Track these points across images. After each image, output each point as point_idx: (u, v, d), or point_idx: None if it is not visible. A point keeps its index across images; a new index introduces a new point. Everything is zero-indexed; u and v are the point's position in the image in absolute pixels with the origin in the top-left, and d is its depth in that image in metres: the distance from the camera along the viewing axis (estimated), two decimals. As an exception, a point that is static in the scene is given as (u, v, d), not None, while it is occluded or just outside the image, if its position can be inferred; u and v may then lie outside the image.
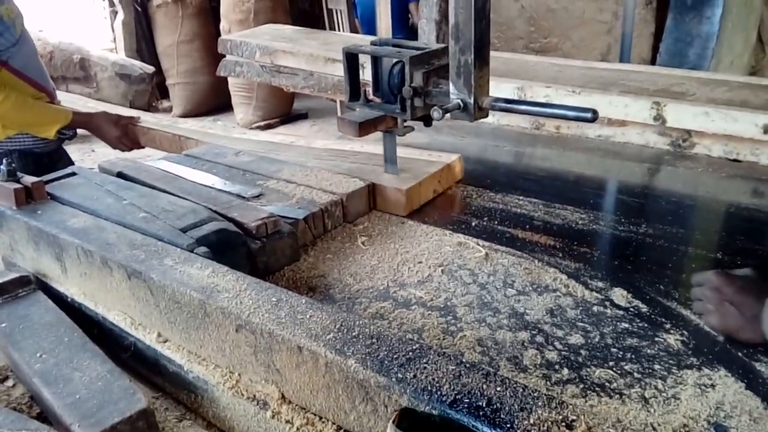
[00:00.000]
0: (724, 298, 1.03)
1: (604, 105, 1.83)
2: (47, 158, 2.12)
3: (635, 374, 0.95)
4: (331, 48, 2.50)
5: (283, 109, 6.18)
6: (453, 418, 0.70)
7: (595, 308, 1.11)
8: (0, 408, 0.94)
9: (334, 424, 0.84)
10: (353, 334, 0.83)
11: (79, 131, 2.27)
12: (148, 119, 2.28)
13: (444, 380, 0.74)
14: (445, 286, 1.20)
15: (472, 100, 1.20)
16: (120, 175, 1.49)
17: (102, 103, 2.76)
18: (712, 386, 0.92)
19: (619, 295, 1.14)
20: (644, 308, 1.11)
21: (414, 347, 0.80)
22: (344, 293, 1.19)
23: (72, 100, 2.69)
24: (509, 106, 1.23)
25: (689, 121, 1.75)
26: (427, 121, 1.39)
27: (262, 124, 5.94)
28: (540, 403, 0.69)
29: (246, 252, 1.20)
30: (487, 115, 1.25)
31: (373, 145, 1.71)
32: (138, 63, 6.14)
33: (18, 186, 1.30)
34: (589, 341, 1.03)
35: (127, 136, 2.18)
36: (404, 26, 5.08)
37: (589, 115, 1.09)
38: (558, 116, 1.21)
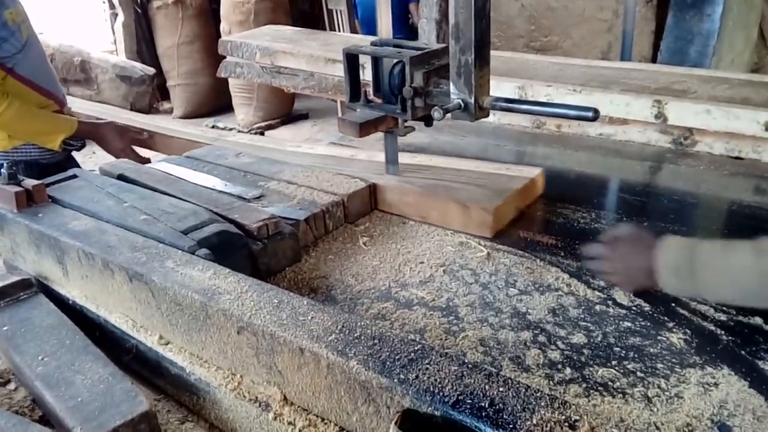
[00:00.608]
0: (618, 260, 1.11)
1: (605, 103, 1.83)
2: (54, 169, 2.06)
3: (638, 373, 0.95)
4: (331, 48, 2.50)
5: (284, 109, 6.18)
6: (455, 419, 0.69)
7: (597, 307, 1.11)
8: (2, 411, 0.94)
9: (336, 425, 0.84)
10: (355, 335, 0.83)
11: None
12: (190, 131, 2.15)
13: (446, 381, 0.73)
14: (447, 286, 1.19)
15: (472, 100, 1.20)
16: (121, 177, 1.49)
17: (104, 106, 2.73)
18: (716, 385, 0.91)
19: (622, 293, 1.14)
20: (647, 307, 1.10)
21: (416, 348, 0.80)
22: (346, 294, 1.19)
23: (81, 105, 2.64)
24: (510, 105, 1.22)
25: (690, 118, 1.75)
26: (428, 121, 1.39)
27: (262, 124, 5.94)
28: (543, 404, 0.69)
29: (247, 253, 1.20)
30: (487, 115, 1.25)
31: (443, 158, 1.64)
32: (138, 65, 6.14)
33: (19, 189, 1.30)
34: (592, 340, 1.03)
35: (132, 149, 2.14)
36: (404, 26, 5.08)
37: (590, 114, 1.09)
38: (559, 115, 1.21)
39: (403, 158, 1.62)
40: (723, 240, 1.00)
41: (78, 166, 2.21)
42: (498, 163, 1.60)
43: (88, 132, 2.10)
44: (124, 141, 2.11)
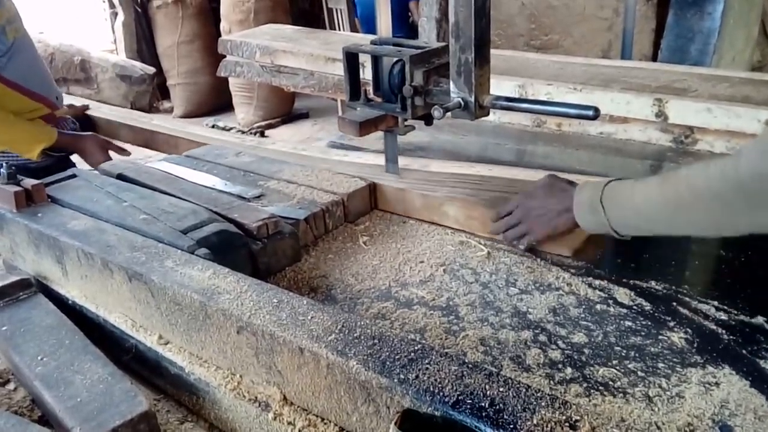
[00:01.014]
0: (535, 206, 1.20)
1: (605, 102, 1.83)
2: (44, 173, 2.03)
3: (639, 373, 0.94)
4: (331, 47, 2.50)
5: (284, 108, 6.18)
6: (455, 419, 0.69)
7: (598, 306, 1.11)
8: (1, 412, 0.94)
9: (336, 425, 0.84)
10: (355, 335, 0.83)
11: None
12: (231, 139, 2.02)
13: (446, 381, 0.73)
14: (447, 286, 1.19)
15: (472, 99, 1.20)
16: (120, 176, 1.48)
17: (104, 105, 2.72)
18: (717, 384, 0.91)
19: (623, 293, 1.14)
20: (648, 306, 1.10)
21: (416, 348, 0.80)
22: (346, 293, 1.19)
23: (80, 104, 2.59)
24: (510, 104, 1.22)
25: (691, 117, 1.74)
26: (428, 120, 1.39)
27: (263, 124, 5.94)
28: (543, 404, 0.69)
29: (247, 253, 1.20)
30: (488, 114, 1.25)
31: (505, 169, 1.55)
32: (138, 64, 6.14)
33: (18, 189, 1.29)
34: (593, 340, 1.02)
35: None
36: (404, 25, 5.08)
37: (590, 112, 1.09)
38: (559, 114, 1.20)
39: (462, 168, 1.54)
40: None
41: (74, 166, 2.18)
42: (567, 175, 1.46)
43: (69, 144, 2.05)
44: (105, 154, 2.06)
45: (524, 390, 0.71)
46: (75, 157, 2.18)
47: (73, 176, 1.48)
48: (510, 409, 0.68)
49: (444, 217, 1.43)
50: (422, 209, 1.45)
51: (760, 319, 1.05)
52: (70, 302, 1.21)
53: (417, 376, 0.74)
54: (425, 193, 1.44)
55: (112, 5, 6.48)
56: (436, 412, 0.71)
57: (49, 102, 2.06)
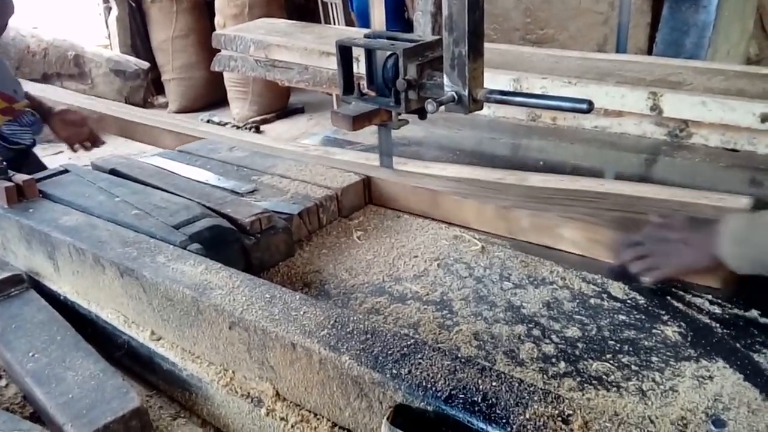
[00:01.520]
0: (668, 243, 1.10)
1: (600, 96, 1.83)
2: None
3: (633, 367, 0.94)
4: (325, 41, 2.49)
5: (279, 103, 6.16)
6: (448, 413, 0.69)
7: (592, 300, 1.11)
8: (-8, 408, 0.93)
9: (328, 420, 0.83)
10: (347, 330, 0.82)
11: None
12: (272, 145, 1.83)
13: (439, 376, 0.73)
14: (441, 280, 1.19)
15: (466, 93, 1.19)
16: (113, 171, 1.47)
17: (98, 100, 2.69)
18: (710, 378, 0.91)
19: (617, 286, 1.14)
20: (641, 300, 1.10)
21: (409, 342, 0.79)
22: (340, 288, 1.18)
23: (75, 99, 2.53)
24: (504, 98, 1.21)
25: (686, 110, 1.74)
26: (422, 113, 1.38)
27: (258, 119, 5.92)
28: (536, 398, 0.69)
29: (240, 248, 1.19)
30: (482, 108, 1.24)
31: (623, 184, 1.42)
32: (133, 59, 6.11)
33: (9, 184, 1.29)
34: (586, 334, 1.02)
35: None
36: (400, 19, 5.05)
37: (584, 106, 1.08)
38: (554, 108, 1.20)
39: (564, 182, 1.42)
40: None
41: (38, 161, 2.14)
42: (695, 191, 1.36)
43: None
44: None
45: (517, 384, 0.71)
46: (65, 156, 2.17)
47: (65, 171, 1.47)
48: (503, 403, 0.68)
49: (558, 240, 1.27)
50: (530, 230, 1.30)
51: (753, 313, 1.05)
52: (62, 298, 1.21)
53: (410, 371, 0.74)
54: (534, 212, 1.29)
55: (106, 0, 6.44)
56: (428, 407, 0.70)
57: (6, 96, 2.04)
